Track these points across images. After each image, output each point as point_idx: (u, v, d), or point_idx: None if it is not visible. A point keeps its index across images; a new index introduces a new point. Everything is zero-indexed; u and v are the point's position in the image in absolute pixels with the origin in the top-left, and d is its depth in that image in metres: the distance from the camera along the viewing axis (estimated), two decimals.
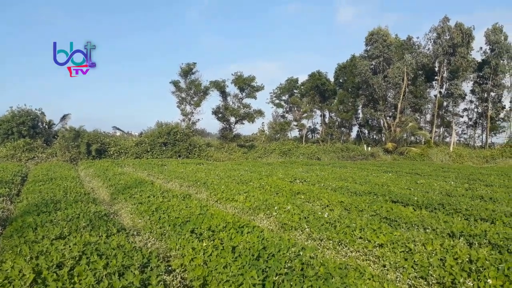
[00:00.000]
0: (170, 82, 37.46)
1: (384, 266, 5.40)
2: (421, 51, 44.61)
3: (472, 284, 4.42)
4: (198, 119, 38.54)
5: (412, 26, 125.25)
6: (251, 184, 13.61)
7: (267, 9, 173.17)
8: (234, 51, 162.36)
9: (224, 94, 40.03)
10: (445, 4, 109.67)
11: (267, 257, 4.77)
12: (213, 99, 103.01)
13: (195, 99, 37.83)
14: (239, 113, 39.48)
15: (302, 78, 62.61)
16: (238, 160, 32.42)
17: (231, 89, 52.30)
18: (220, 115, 39.85)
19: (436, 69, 45.36)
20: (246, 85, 39.61)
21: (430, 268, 4.90)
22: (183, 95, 37.75)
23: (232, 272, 4.32)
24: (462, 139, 49.98)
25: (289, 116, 56.08)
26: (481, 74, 43.30)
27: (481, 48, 44.07)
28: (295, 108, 55.21)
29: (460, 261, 4.97)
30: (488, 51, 42.70)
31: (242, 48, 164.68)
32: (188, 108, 38.06)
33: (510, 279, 4.34)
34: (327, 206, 9.48)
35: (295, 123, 54.00)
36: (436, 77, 45.99)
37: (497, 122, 46.31)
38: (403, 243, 5.83)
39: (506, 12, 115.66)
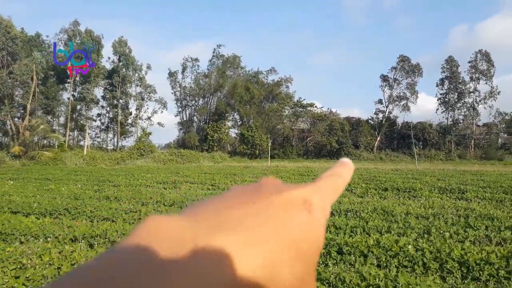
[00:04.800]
0: None
1: None
2: (52, 51, 42.78)
3: None
4: None
5: (40, 23, 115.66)
6: None
7: None
8: None
9: None
10: (74, 5, 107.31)
11: None
12: None
13: None
14: None
15: None
16: None
17: None
18: None
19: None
20: None
21: (44, 280, 4.46)
22: None
23: None
24: (96, 142, 52.08)
25: None
26: (111, 81, 46.84)
27: (109, 58, 47.72)
28: None
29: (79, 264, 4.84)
30: (117, 61, 46.84)
31: None
32: None
33: None
34: None
35: None
36: (68, 80, 45.44)
37: (126, 127, 51.61)
38: (15, 259, 5.06)
39: (130, 24, 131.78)
